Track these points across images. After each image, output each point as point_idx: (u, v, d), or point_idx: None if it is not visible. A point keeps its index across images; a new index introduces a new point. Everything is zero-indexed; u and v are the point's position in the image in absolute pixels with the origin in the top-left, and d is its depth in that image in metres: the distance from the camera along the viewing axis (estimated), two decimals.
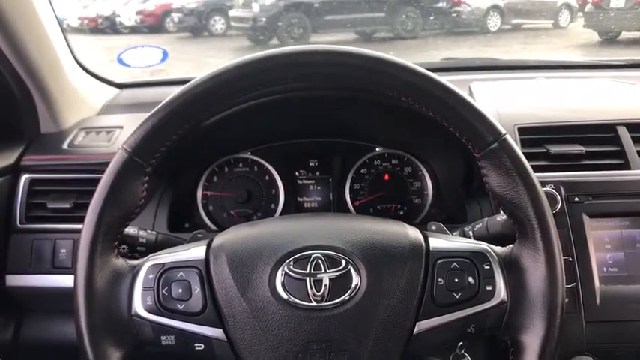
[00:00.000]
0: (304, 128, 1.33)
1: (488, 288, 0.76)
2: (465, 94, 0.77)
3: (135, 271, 0.78)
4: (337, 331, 0.73)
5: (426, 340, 0.76)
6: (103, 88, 1.56)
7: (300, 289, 0.74)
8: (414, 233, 0.81)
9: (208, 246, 0.80)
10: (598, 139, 1.16)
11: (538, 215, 0.74)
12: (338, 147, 1.35)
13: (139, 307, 0.76)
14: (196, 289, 0.76)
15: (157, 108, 0.77)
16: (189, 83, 0.77)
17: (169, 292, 0.76)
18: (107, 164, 0.77)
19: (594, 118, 1.19)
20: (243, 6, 7.21)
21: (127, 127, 1.30)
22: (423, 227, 0.89)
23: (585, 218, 1.04)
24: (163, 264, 0.78)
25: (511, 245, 0.80)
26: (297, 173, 1.35)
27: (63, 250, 1.16)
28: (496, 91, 1.35)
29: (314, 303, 0.74)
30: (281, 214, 1.31)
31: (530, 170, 0.76)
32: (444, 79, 0.77)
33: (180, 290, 0.76)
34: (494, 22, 5.76)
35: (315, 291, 0.74)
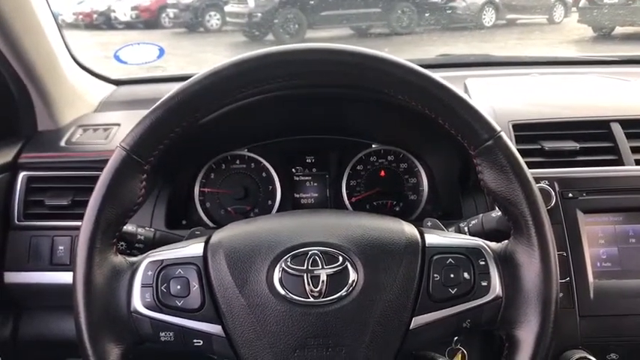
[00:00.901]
0: (301, 125, 1.33)
1: (484, 283, 0.77)
2: (459, 91, 0.78)
3: (134, 268, 0.79)
4: (334, 326, 0.74)
5: (422, 335, 0.77)
6: (99, 84, 1.56)
7: (297, 285, 0.75)
8: (410, 229, 0.82)
9: (206, 243, 0.81)
10: (592, 136, 1.16)
11: (532, 212, 0.75)
12: (334, 143, 1.35)
13: (137, 303, 0.76)
14: (195, 286, 0.77)
15: (154, 106, 0.77)
16: (187, 81, 0.78)
17: (168, 288, 0.77)
18: (105, 161, 0.77)
19: (588, 114, 1.20)
20: (239, 1, 7.17)
21: (124, 124, 1.30)
22: (418, 223, 0.89)
23: (579, 214, 1.05)
24: (162, 261, 0.79)
25: (506, 241, 0.81)
26: (293, 170, 1.35)
27: (61, 247, 1.16)
28: (491, 88, 1.35)
29: (311, 299, 0.74)
30: (278, 210, 1.32)
31: (525, 167, 0.77)
32: (439, 75, 0.77)
33: (178, 287, 0.77)
34: (489, 18, 5.76)
35: (312, 287, 0.75)
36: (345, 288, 0.75)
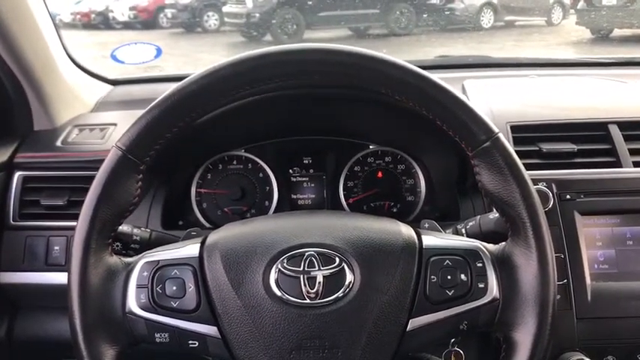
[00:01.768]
0: (298, 126, 1.33)
1: (481, 285, 0.77)
2: (457, 92, 0.77)
3: (129, 269, 0.79)
4: (331, 328, 0.74)
5: (419, 337, 0.76)
6: (96, 84, 1.55)
7: (293, 286, 0.75)
8: (407, 231, 0.82)
9: (202, 244, 0.80)
10: (590, 137, 1.16)
11: (530, 213, 0.75)
12: (332, 144, 1.35)
13: (133, 304, 0.76)
14: (190, 287, 0.76)
15: (151, 105, 0.77)
16: (183, 81, 0.77)
17: (163, 289, 0.76)
18: (101, 161, 0.77)
19: (586, 116, 1.20)
20: (237, 2, 7.17)
21: (121, 124, 1.30)
22: (416, 225, 0.89)
23: (577, 216, 1.05)
24: (157, 261, 0.78)
25: (503, 243, 0.81)
26: (290, 170, 1.35)
27: (56, 248, 1.16)
28: (489, 89, 1.35)
29: (308, 300, 0.74)
30: (275, 211, 1.31)
31: (523, 168, 0.77)
32: (437, 76, 0.77)
33: (174, 288, 0.76)
34: (487, 19, 5.77)
35: (308, 288, 0.74)
36: (342, 289, 0.75)
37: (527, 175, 0.77)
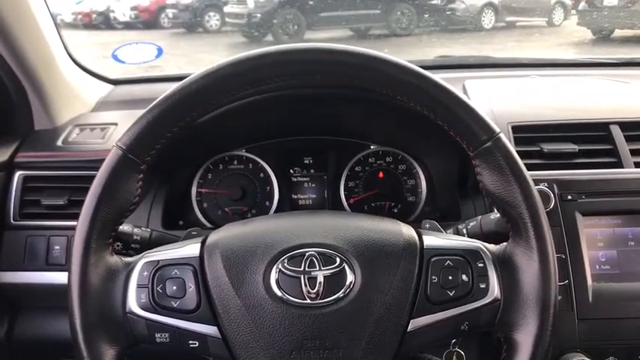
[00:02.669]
0: (299, 125, 1.33)
1: (482, 286, 0.77)
2: (458, 92, 0.77)
3: (129, 269, 0.78)
4: (331, 328, 0.74)
5: (420, 338, 0.76)
6: (97, 84, 1.55)
7: (294, 286, 0.74)
8: (407, 231, 0.82)
9: (203, 243, 0.80)
10: (591, 138, 1.16)
11: (531, 214, 0.75)
12: (333, 144, 1.35)
13: (133, 304, 0.76)
14: (191, 287, 0.76)
15: (151, 105, 0.77)
16: (184, 80, 0.77)
17: (164, 289, 0.76)
18: (101, 161, 0.77)
19: (587, 116, 1.20)
20: (238, 2, 7.19)
21: (122, 123, 1.29)
22: (417, 225, 0.89)
23: (578, 216, 1.05)
24: (158, 261, 0.78)
25: (505, 243, 0.81)
26: (291, 170, 1.35)
27: (57, 247, 1.16)
28: (490, 89, 1.35)
29: (308, 300, 0.74)
30: (275, 211, 1.31)
31: (524, 169, 0.76)
32: (438, 76, 0.77)
33: (174, 288, 0.76)
34: (488, 20, 5.77)
35: (309, 289, 0.74)
36: (342, 289, 0.75)
37: (529, 175, 0.76)
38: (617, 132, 1.15)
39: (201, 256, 0.78)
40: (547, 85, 1.45)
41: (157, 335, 0.76)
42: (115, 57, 1.49)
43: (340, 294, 0.74)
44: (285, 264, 0.75)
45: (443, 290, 0.77)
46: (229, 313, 0.75)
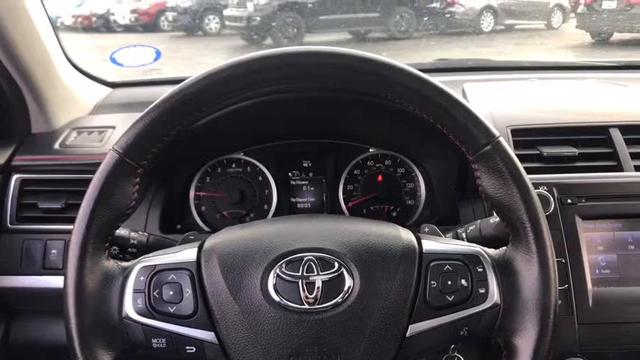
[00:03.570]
0: (298, 129, 1.32)
1: (481, 291, 0.76)
2: (458, 95, 0.77)
3: (126, 274, 0.78)
4: (329, 334, 0.73)
5: (419, 343, 0.76)
6: (95, 87, 1.55)
7: (292, 291, 0.74)
8: (406, 235, 0.81)
9: (200, 248, 0.80)
10: (591, 141, 1.16)
11: (531, 218, 0.74)
12: (331, 147, 1.34)
13: (129, 309, 0.76)
14: (188, 292, 0.76)
15: (148, 108, 0.77)
16: (182, 83, 0.77)
17: (160, 294, 0.76)
18: (99, 164, 0.77)
19: (587, 119, 1.19)
20: (238, 5, 7.20)
21: (119, 127, 1.29)
22: (415, 229, 0.89)
23: (578, 220, 1.04)
24: (154, 266, 0.78)
25: (504, 248, 0.80)
26: (290, 174, 1.34)
27: (54, 251, 1.15)
28: (489, 93, 1.35)
29: (306, 306, 0.73)
30: (274, 215, 1.30)
31: (524, 173, 0.76)
32: (437, 80, 0.77)
33: (171, 293, 0.76)
34: (487, 23, 5.78)
35: (307, 294, 0.74)
36: (341, 295, 0.74)
37: (528, 179, 0.76)
38: (616, 135, 1.15)
39: (198, 261, 0.78)
40: (546, 89, 1.45)
41: (154, 341, 0.75)
42: (113, 60, 1.49)
43: (339, 299, 0.74)
44: (283, 269, 0.75)
45: (442, 295, 0.76)
46: (226, 318, 0.74)
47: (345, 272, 0.75)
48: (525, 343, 0.73)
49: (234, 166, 1.33)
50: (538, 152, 1.14)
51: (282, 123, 1.30)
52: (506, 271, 0.77)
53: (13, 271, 1.16)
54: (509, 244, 0.79)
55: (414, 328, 0.75)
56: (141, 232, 1.00)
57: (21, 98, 1.26)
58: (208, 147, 1.30)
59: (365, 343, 0.73)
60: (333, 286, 0.74)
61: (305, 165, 1.34)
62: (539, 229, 0.74)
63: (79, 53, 1.50)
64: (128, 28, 7.69)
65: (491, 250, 0.81)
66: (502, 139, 0.76)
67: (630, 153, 1.13)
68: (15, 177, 1.20)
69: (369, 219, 0.90)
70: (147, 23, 7.85)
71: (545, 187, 1.05)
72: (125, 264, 0.80)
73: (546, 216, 0.77)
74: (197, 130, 1.15)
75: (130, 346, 0.76)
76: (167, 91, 0.77)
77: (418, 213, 1.31)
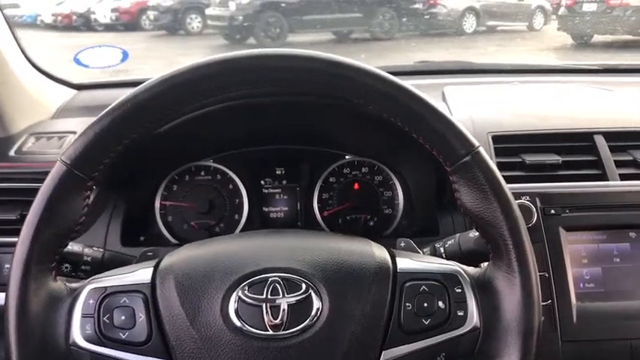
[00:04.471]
0: (270, 134, 1.27)
1: (460, 313, 0.71)
2: (435, 101, 0.72)
3: (74, 296, 0.72)
4: None
5: None
6: (59, 89, 1.47)
7: (255, 316, 0.68)
8: (380, 252, 0.76)
9: (155, 268, 0.74)
10: (575, 148, 1.12)
11: (513, 235, 0.70)
12: (306, 154, 1.29)
13: (77, 335, 0.69)
14: (141, 317, 0.70)
15: (100, 115, 0.72)
16: (137, 87, 0.72)
17: (111, 319, 0.70)
18: None
19: (571, 125, 1.16)
20: (220, 4, 7.21)
21: (80, 132, 1.22)
22: (391, 242, 0.85)
23: (562, 231, 1.01)
24: (105, 288, 0.72)
25: (485, 265, 0.76)
26: (262, 182, 1.28)
27: (7, 266, 1.07)
28: (470, 97, 1.31)
29: (270, 332, 0.68)
30: (245, 225, 1.25)
31: (505, 185, 0.72)
32: (417, 83, 0.73)
33: (123, 317, 0.70)
34: (469, 24, 5.83)
35: (271, 318, 0.68)
36: (308, 319, 0.69)
37: (510, 191, 0.72)
38: (601, 142, 1.11)
39: (152, 283, 0.72)
40: (529, 93, 1.42)
41: None
42: (77, 61, 1.42)
43: (306, 323, 0.68)
44: (246, 291, 0.69)
45: (417, 318, 0.71)
46: (183, 345, 0.68)
47: (312, 294, 0.70)
48: None
49: (202, 173, 1.27)
50: (520, 160, 1.10)
51: (253, 128, 1.24)
52: (486, 291, 0.73)
53: None
54: (489, 261, 0.75)
55: (387, 355, 0.70)
56: (95, 248, 0.93)
57: None
58: (175, 154, 1.23)
59: None
60: (300, 309, 0.69)
61: (278, 172, 1.29)
62: (522, 247, 0.70)
63: (46, 52, 1.43)
64: (109, 27, 7.66)
65: (470, 269, 0.76)
66: (482, 150, 0.72)
67: (615, 161, 1.09)
68: None
69: (339, 234, 0.85)
70: (128, 22, 7.86)
71: (528, 198, 1.01)
72: (74, 285, 0.74)
73: (529, 227, 0.73)
74: (162, 135, 1.09)
75: None
76: None
77: (396, 223, 1.26)
